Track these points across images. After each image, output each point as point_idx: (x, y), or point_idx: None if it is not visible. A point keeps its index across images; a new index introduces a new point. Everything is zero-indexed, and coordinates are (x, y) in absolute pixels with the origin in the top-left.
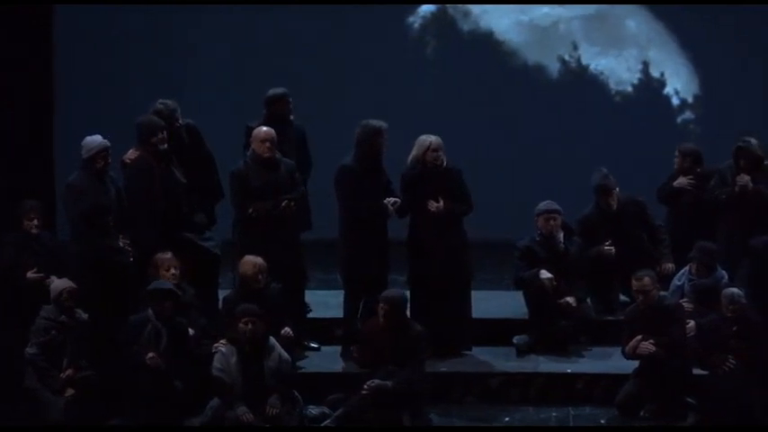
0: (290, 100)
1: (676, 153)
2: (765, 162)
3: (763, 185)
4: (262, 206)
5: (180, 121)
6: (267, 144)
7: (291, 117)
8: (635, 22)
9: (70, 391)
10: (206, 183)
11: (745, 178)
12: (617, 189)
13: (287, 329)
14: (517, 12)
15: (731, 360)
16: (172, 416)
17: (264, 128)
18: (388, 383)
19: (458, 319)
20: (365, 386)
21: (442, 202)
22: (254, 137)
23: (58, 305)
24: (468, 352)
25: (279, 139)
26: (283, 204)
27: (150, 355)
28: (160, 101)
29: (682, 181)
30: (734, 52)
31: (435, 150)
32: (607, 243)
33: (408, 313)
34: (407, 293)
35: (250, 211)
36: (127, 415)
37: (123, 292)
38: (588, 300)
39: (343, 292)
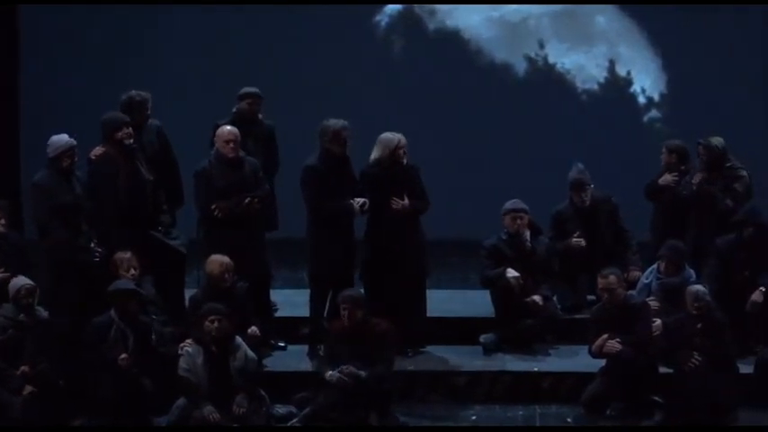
0: (261, 99)
1: (663, 150)
2: (728, 164)
3: (718, 187)
4: (225, 205)
5: (149, 111)
6: (231, 145)
7: (260, 116)
8: (605, 18)
9: (28, 389)
10: (169, 187)
11: (698, 177)
12: (591, 186)
13: (253, 329)
14: (488, 8)
15: (696, 357)
16: (139, 416)
17: (228, 127)
18: (362, 373)
19: (413, 317)
20: (338, 370)
21: (406, 200)
22: (217, 136)
23: (17, 303)
24: (428, 350)
25: (247, 138)
26: (246, 202)
27: (123, 356)
28: (134, 91)
29: (666, 178)
30: (704, 52)
31: (400, 149)
32: (576, 235)
33: None
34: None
35: (213, 209)
36: (92, 415)
37: (92, 292)
38: (555, 298)
39: (309, 290)
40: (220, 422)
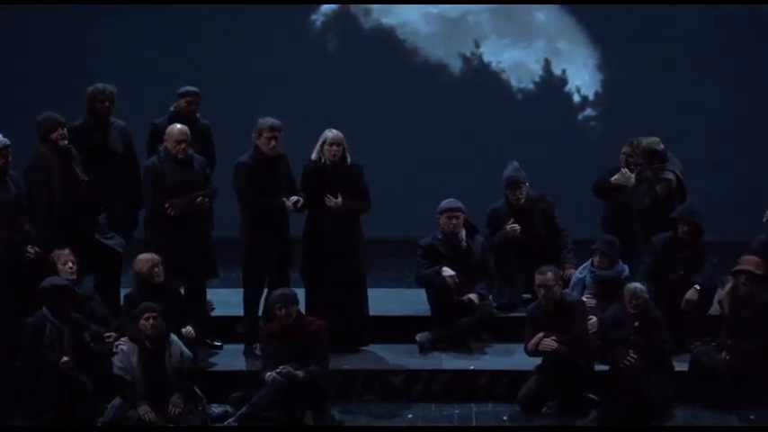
0: (200, 98)
1: (625, 147)
2: (656, 165)
3: (643, 187)
4: (179, 202)
5: (107, 104)
6: (182, 145)
7: (198, 115)
8: (544, 14)
9: None
10: (129, 188)
11: (626, 175)
12: (527, 184)
13: (188, 328)
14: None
15: (632, 355)
16: (80, 415)
17: (179, 126)
18: (299, 372)
19: (353, 316)
20: (276, 371)
21: (340, 198)
22: (168, 135)
23: None
24: (364, 348)
25: None
26: (198, 200)
27: (64, 359)
28: (100, 84)
29: (619, 177)
30: (642, 50)
31: (332, 145)
32: (510, 221)
33: (304, 310)
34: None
35: (166, 207)
36: (31, 416)
37: (23, 292)
38: (491, 296)
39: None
40: (156, 422)
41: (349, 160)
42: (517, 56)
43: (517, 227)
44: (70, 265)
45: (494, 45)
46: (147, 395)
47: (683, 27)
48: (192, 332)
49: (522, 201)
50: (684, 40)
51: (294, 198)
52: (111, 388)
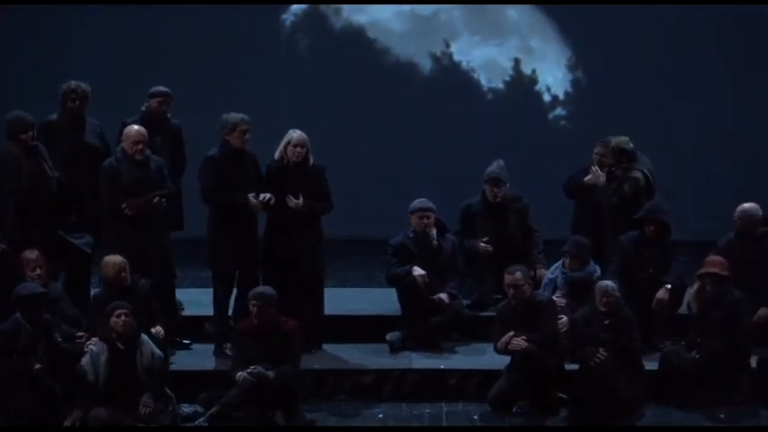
0: (171, 99)
1: (597, 147)
2: (624, 164)
3: (612, 186)
4: (136, 202)
5: (78, 103)
6: (139, 146)
7: (169, 115)
8: (517, 11)
9: None
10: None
11: (597, 174)
12: (507, 184)
13: (158, 328)
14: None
15: (602, 353)
16: (48, 419)
17: (135, 127)
18: (270, 373)
19: (309, 317)
20: (247, 371)
21: (301, 199)
22: (125, 136)
23: None
24: (329, 348)
25: (156, 137)
26: (155, 200)
27: (37, 366)
28: (74, 81)
29: (591, 177)
30: (613, 49)
31: (296, 146)
32: (484, 240)
33: None
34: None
35: (124, 207)
36: (7, 419)
37: None
38: (460, 296)
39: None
40: (125, 422)
41: (312, 161)
42: (489, 53)
43: (490, 247)
44: (38, 271)
45: (465, 42)
46: (117, 395)
47: (653, 26)
48: (162, 332)
49: (499, 199)
50: (655, 39)
51: (267, 195)
52: (79, 388)
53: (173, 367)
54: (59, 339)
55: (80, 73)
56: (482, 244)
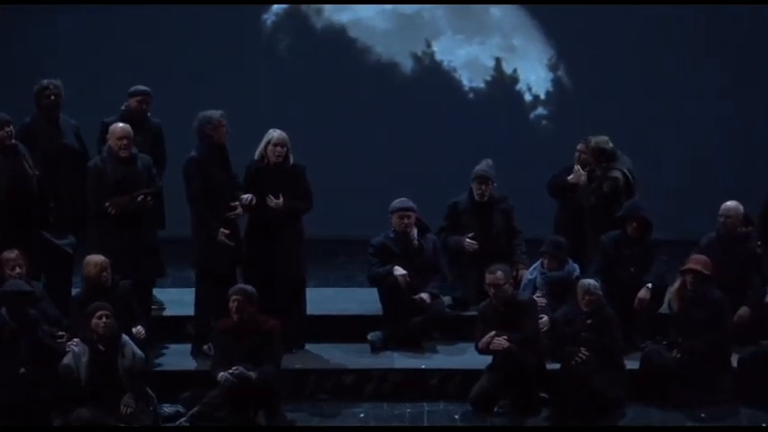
0: (151, 98)
1: (580, 146)
2: (604, 164)
3: (593, 185)
4: (119, 201)
5: (53, 98)
6: (124, 141)
7: (149, 114)
8: (500, 9)
9: None
10: (80, 187)
11: (579, 173)
12: (494, 184)
13: (139, 328)
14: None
15: (583, 353)
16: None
17: (121, 124)
18: (252, 373)
19: (291, 317)
20: (229, 372)
21: (281, 199)
22: (110, 133)
23: None
24: (311, 348)
25: (136, 136)
26: (139, 199)
27: (22, 370)
28: (45, 80)
29: (573, 176)
30: (595, 48)
31: (276, 145)
32: (469, 235)
33: None
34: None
35: (107, 206)
36: None
37: None
38: (440, 296)
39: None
40: (107, 422)
41: (292, 161)
42: (471, 52)
43: (475, 244)
44: (18, 270)
45: (448, 41)
46: (98, 395)
47: (635, 26)
48: (143, 332)
49: (486, 198)
50: (637, 38)
51: (248, 196)
52: (60, 388)
53: (155, 367)
54: (41, 335)
55: (61, 72)
56: (468, 240)
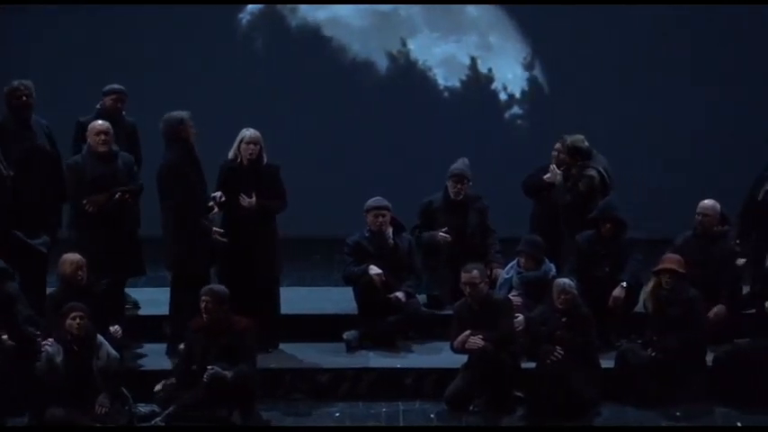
0: (125, 97)
1: (557, 145)
2: (580, 162)
3: (568, 184)
4: (96, 199)
5: (25, 99)
6: (102, 137)
7: (124, 113)
8: (477, 9)
9: None
10: (53, 186)
11: (555, 172)
12: (470, 183)
13: (116, 327)
14: None
15: (558, 351)
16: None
17: (100, 121)
18: (227, 373)
19: (265, 316)
20: (204, 376)
21: (254, 198)
22: (89, 130)
23: None
24: (285, 347)
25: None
26: (117, 196)
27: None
28: (16, 81)
29: (550, 175)
30: (571, 47)
31: (249, 144)
32: (443, 230)
33: None
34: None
35: (84, 203)
36: None
37: None
38: (416, 295)
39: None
40: (82, 422)
41: (266, 160)
42: (447, 50)
43: (449, 237)
44: None
45: (424, 39)
46: (73, 395)
47: (611, 25)
48: (120, 331)
49: (461, 197)
50: (612, 38)
51: (218, 194)
52: (34, 388)
53: (129, 367)
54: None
55: (34, 72)
56: (441, 234)
